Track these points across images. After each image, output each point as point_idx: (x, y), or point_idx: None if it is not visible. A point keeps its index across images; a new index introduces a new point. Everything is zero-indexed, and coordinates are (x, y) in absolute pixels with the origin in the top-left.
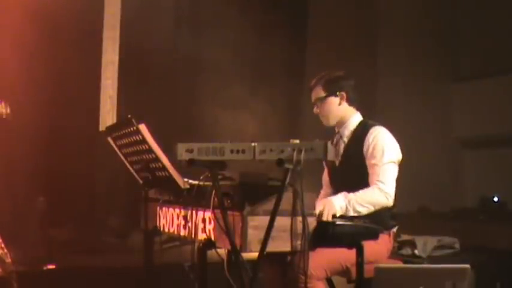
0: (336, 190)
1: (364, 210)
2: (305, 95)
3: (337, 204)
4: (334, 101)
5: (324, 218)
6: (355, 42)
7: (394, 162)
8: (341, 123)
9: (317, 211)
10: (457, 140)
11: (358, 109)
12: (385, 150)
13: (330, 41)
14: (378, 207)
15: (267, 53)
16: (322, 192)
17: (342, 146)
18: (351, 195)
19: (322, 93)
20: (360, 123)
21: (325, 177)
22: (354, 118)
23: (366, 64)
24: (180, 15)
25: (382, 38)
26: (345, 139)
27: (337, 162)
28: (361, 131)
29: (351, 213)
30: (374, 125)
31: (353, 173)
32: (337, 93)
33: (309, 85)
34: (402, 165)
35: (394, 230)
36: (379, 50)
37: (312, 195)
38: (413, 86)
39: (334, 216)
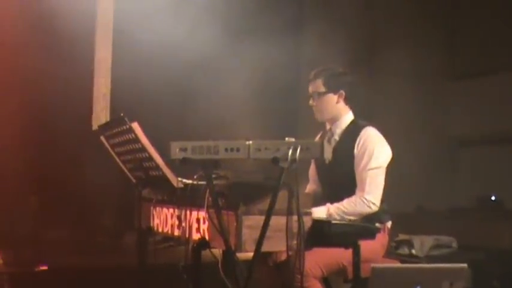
0: (325, 187)
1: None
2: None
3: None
4: (332, 98)
5: None
6: (351, 41)
7: (381, 167)
8: (333, 120)
9: None
10: (454, 138)
11: (351, 108)
12: (373, 155)
13: (323, 44)
14: (361, 217)
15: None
16: (308, 187)
17: (332, 144)
18: (334, 207)
19: (322, 89)
20: (352, 122)
21: (312, 172)
22: (347, 117)
23: (361, 62)
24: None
25: (379, 36)
26: (336, 137)
27: (327, 160)
28: (352, 131)
29: None
30: (365, 125)
31: (343, 171)
32: (337, 91)
33: (309, 76)
34: (399, 165)
35: (389, 225)
36: (375, 48)
37: (308, 194)
38: (409, 84)
39: None
